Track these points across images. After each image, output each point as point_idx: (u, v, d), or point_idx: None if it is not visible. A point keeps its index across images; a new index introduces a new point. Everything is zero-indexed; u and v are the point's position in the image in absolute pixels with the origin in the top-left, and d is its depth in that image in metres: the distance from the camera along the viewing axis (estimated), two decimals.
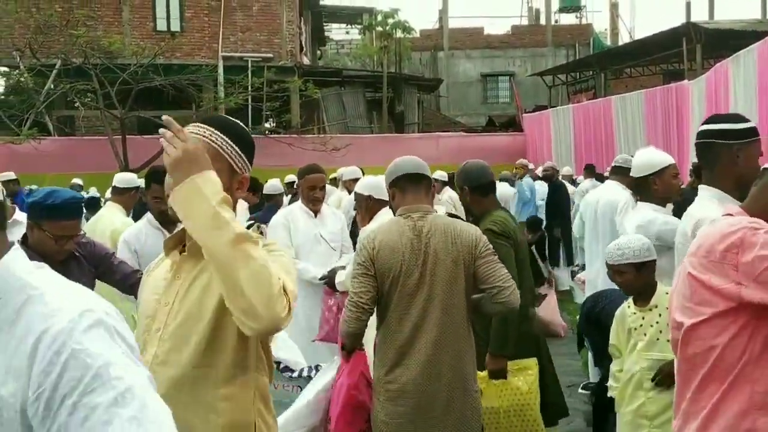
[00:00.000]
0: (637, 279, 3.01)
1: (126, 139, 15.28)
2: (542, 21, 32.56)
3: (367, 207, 3.91)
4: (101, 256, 3.37)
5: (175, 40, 17.67)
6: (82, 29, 15.21)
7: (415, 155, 3.11)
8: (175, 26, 18.82)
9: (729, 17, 26.39)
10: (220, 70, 18.07)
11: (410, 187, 2.92)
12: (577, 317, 7.76)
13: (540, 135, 19.01)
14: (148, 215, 4.04)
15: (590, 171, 10.22)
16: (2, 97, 18.48)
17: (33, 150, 14.64)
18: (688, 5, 31.71)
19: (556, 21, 32.91)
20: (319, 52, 29.43)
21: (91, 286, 3.09)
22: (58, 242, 2.96)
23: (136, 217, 4.82)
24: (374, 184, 3.94)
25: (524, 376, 3.35)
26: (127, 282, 3.36)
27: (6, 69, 18.44)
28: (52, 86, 15.82)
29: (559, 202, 8.98)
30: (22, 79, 15.76)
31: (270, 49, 19.26)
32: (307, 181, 4.53)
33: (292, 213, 4.67)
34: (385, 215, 3.68)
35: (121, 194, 5.00)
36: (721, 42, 17.78)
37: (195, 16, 19.00)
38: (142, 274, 3.23)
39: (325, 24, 28.98)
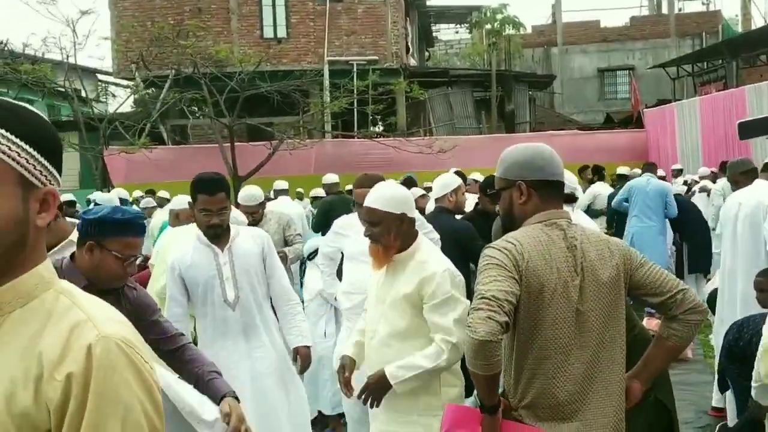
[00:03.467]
0: None
1: (235, 147, 15.46)
2: (664, 10, 30.57)
3: (398, 230, 2.83)
4: (146, 306, 2.60)
5: (280, 46, 17.76)
6: (192, 39, 15.55)
7: None
8: (282, 33, 19.06)
9: None
10: (326, 74, 18.02)
11: (552, 191, 2.21)
12: (710, 337, 6.86)
13: (663, 131, 17.64)
14: (198, 232, 3.45)
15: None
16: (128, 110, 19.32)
17: (146, 159, 15.08)
18: None
19: (680, 9, 30.79)
20: (427, 53, 29.04)
21: None
22: (125, 263, 2.40)
23: None
24: (403, 198, 2.88)
25: None
26: (164, 345, 2.61)
27: (127, 82, 19.25)
28: (168, 95, 16.29)
29: (686, 209, 8.06)
30: (139, 90, 16.35)
31: (375, 51, 19.06)
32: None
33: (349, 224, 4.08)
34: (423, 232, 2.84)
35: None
36: None
37: (301, 21, 19.12)
38: (184, 338, 2.69)
39: (433, 24, 28.58)
